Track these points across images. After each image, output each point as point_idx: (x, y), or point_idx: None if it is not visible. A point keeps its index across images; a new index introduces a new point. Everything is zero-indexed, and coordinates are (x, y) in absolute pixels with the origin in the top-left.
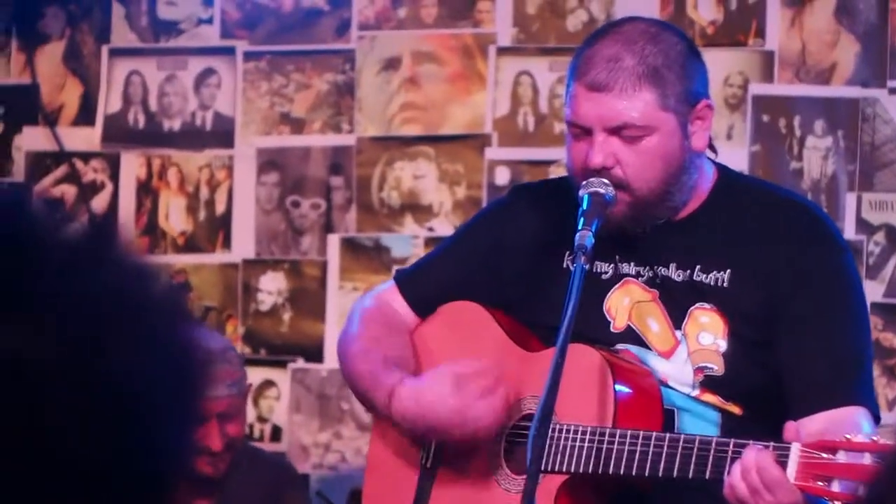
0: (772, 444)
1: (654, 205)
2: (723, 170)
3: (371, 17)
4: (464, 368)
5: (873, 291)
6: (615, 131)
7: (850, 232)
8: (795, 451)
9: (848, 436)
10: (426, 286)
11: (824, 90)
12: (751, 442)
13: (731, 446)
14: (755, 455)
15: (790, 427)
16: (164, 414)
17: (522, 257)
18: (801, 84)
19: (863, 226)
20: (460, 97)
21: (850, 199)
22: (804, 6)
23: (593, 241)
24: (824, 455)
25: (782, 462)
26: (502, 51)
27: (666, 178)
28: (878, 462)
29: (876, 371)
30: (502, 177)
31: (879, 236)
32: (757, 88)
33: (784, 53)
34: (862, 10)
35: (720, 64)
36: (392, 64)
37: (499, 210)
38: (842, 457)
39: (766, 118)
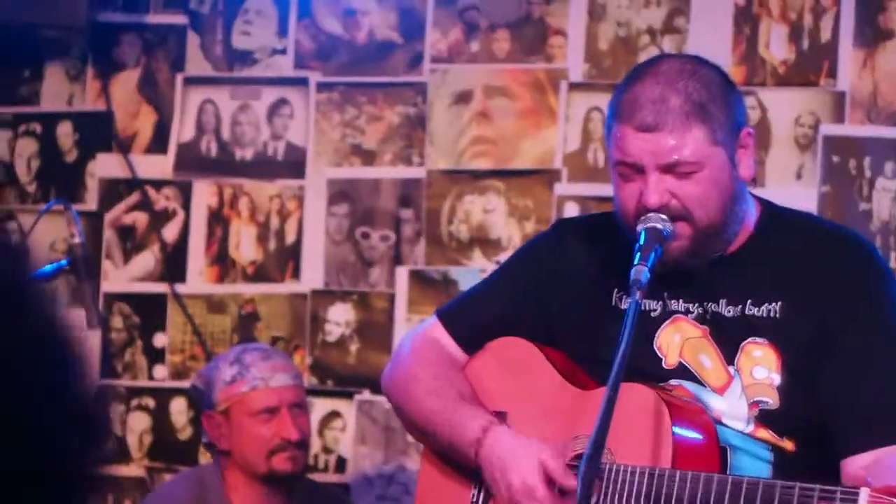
0: (839, 488)
1: (714, 235)
2: (764, 203)
3: (444, 50)
4: (557, 473)
5: None
6: (667, 169)
7: None
8: (864, 496)
9: None
10: (472, 322)
11: (895, 131)
12: (818, 488)
13: (797, 490)
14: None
15: (856, 472)
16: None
17: (569, 293)
18: (872, 125)
19: None
20: (531, 132)
21: None
22: (877, 47)
23: (649, 276)
24: (894, 500)
25: None
26: (574, 86)
27: (723, 207)
28: None
29: None
30: (571, 212)
31: None
32: (828, 129)
33: (855, 94)
34: None
35: (791, 103)
36: (463, 97)
37: (544, 244)
38: None
39: (836, 159)
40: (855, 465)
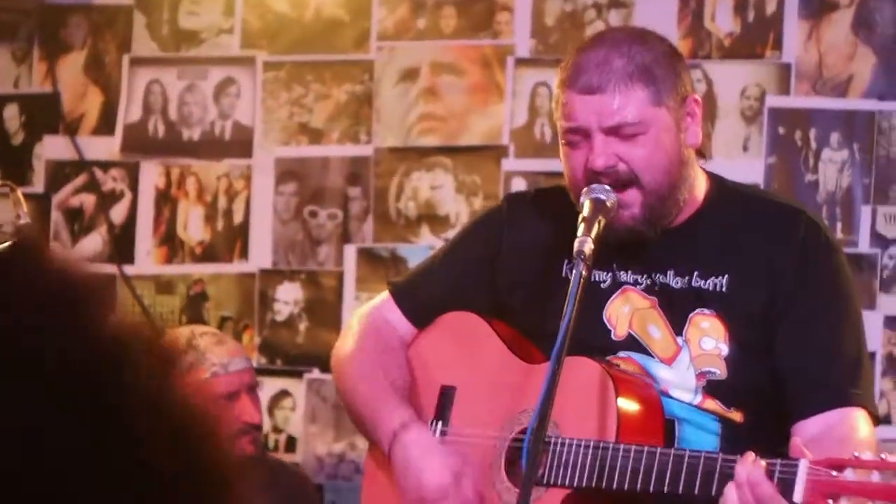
0: (779, 460)
1: (664, 199)
2: (714, 177)
3: (390, 27)
4: (465, 468)
5: (887, 305)
6: (613, 131)
7: (864, 245)
8: (803, 468)
9: (856, 454)
10: (422, 296)
11: (841, 103)
12: (745, 455)
13: (719, 460)
14: (746, 471)
15: (796, 444)
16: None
17: (519, 265)
18: (818, 96)
19: (878, 239)
20: (478, 108)
21: (865, 212)
22: (822, 18)
23: (592, 247)
24: (833, 472)
25: (790, 479)
26: (521, 62)
27: (670, 170)
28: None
29: (888, 385)
30: (519, 187)
31: (894, 250)
32: (773, 101)
33: (801, 66)
34: (879, 23)
35: (737, 76)
36: (410, 75)
37: (493, 218)
38: (850, 474)
39: (782, 130)
40: (804, 432)
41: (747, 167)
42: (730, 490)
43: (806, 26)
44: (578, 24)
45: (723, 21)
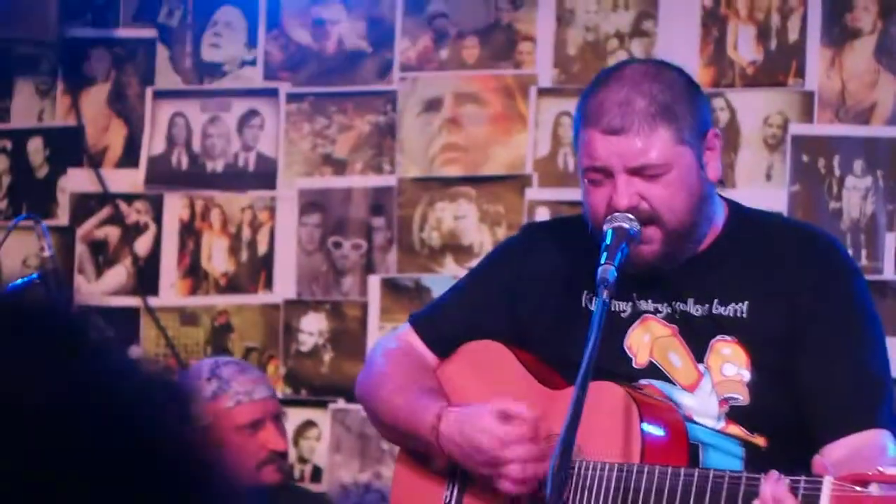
0: (803, 477)
1: (684, 237)
2: (732, 204)
3: (413, 58)
4: (510, 407)
5: None
6: (636, 172)
7: (889, 272)
8: (828, 484)
9: (880, 468)
10: (444, 326)
11: (864, 130)
12: (769, 473)
13: (743, 479)
14: (771, 488)
15: (819, 461)
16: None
17: (539, 295)
18: (841, 124)
19: None
20: (501, 138)
21: (889, 239)
22: (844, 46)
23: (616, 275)
24: (857, 488)
25: (815, 496)
26: (543, 92)
27: (691, 209)
28: None
29: None
30: (542, 217)
31: None
32: (796, 128)
33: (824, 93)
34: None
35: (760, 104)
36: (433, 105)
37: (513, 248)
38: (874, 489)
39: (805, 158)
40: (832, 455)
41: (771, 196)
42: None
43: (828, 54)
44: (601, 54)
45: (745, 49)
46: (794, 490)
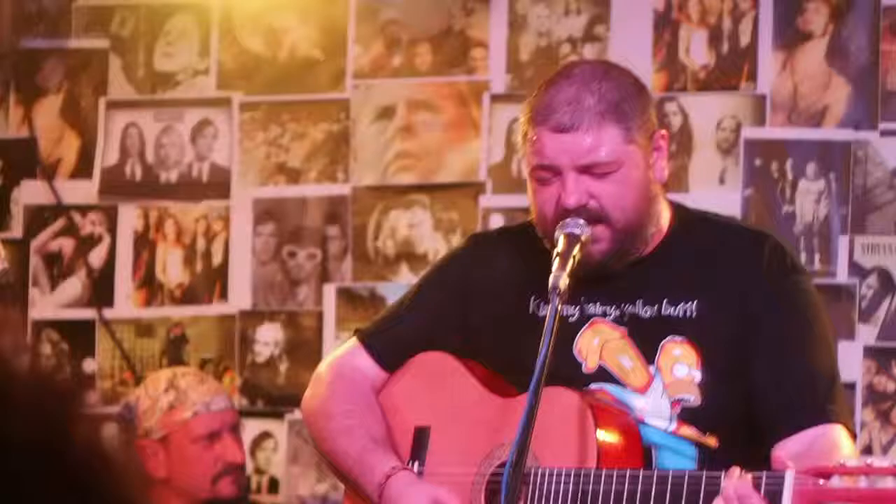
0: (765, 472)
1: (632, 235)
2: (677, 206)
3: (366, 65)
4: (450, 498)
5: (866, 335)
6: (585, 169)
7: (843, 275)
8: (790, 478)
9: (842, 461)
10: (392, 340)
11: (816, 133)
12: (729, 470)
13: (703, 476)
14: (734, 485)
15: (778, 457)
16: None
17: (486, 305)
18: (794, 127)
19: (855, 269)
20: (455, 145)
21: (842, 242)
22: (796, 49)
23: (567, 281)
24: (820, 481)
25: (777, 490)
26: (496, 98)
27: (639, 207)
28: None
29: (869, 415)
30: (497, 224)
31: (872, 279)
32: (749, 132)
33: (776, 96)
34: (853, 53)
35: (713, 108)
36: (387, 112)
37: (459, 258)
38: (836, 482)
39: (758, 162)
40: (785, 451)
41: (725, 199)
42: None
43: (780, 57)
44: (553, 59)
45: (697, 53)
46: (756, 485)
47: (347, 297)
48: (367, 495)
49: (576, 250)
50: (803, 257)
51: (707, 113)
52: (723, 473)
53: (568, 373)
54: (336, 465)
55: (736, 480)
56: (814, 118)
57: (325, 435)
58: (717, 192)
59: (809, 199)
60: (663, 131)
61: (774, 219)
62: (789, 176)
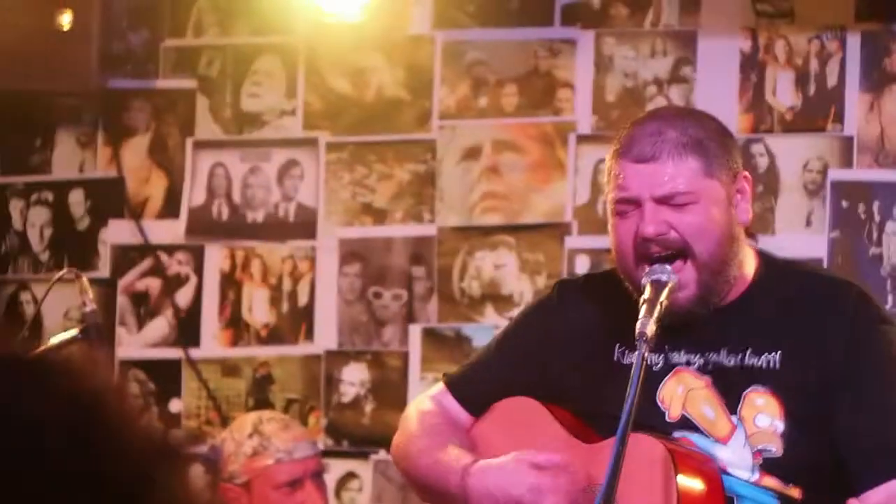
0: None
1: (716, 274)
2: (762, 253)
3: (452, 106)
4: (540, 459)
5: None
6: (664, 200)
7: None
8: None
9: None
10: (477, 385)
11: None
12: None
13: None
14: None
15: None
16: None
17: (571, 353)
18: (881, 169)
19: None
20: (540, 186)
21: None
22: (883, 90)
23: (654, 328)
24: None
25: None
26: (582, 139)
27: (721, 244)
28: None
29: None
30: (582, 265)
31: None
32: (836, 174)
33: (863, 138)
34: None
35: (799, 150)
36: (472, 153)
37: (544, 305)
38: None
39: (845, 204)
40: (872, 499)
41: (811, 242)
42: None
43: (867, 99)
44: (639, 101)
45: (784, 95)
46: None
47: (433, 337)
48: (453, 499)
49: (663, 296)
50: (890, 301)
51: (793, 154)
52: None
53: (651, 421)
54: (421, 485)
55: None
56: None
57: (410, 458)
58: (804, 235)
59: None
60: (746, 173)
61: (861, 261)
62: (876, 218)
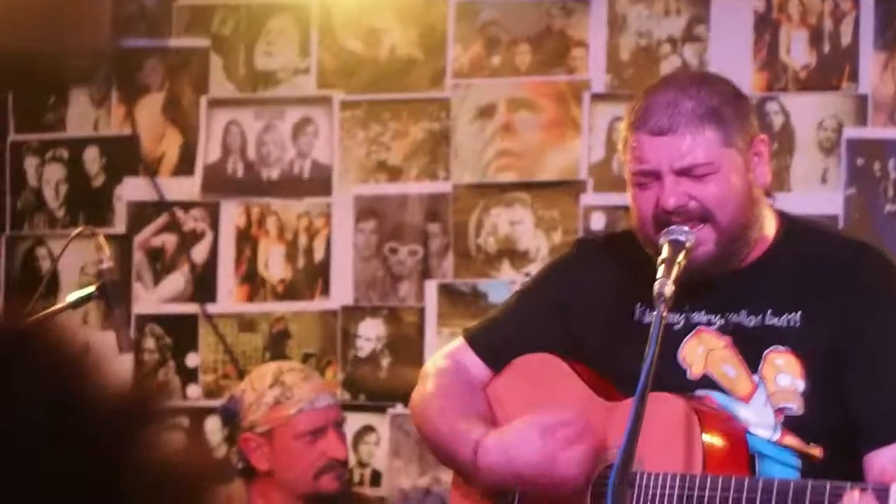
0: (870, 485)
1: (736, 238)
2: (783, 215)
3: (465, 64)
4: (549, 418)
5: None
6: (683, 172)
7: None
8: (894, 491)
9: None
10: (497, 340)
11: None
12: (848, 484)
13: (828, 489)
14: (859, 498)
15: (874, 463)
16: None
17: (591, 312)
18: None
19: None
20: (555, 143)
21: None
22: None
23: (673, 288)
24: None
25: (883, 501)
26: (596, 97)
27: (742, 209)
28: None
29: None
30: (598, 222)
31: None
32: (851, 132)
33: (877, 97)
34: None
35: (814, 108)
36: (487, 111)
37: (565, 263)
38: None
39: (860, 161)
40: (877, 462)
41: (826, 199)
42: None
43: (881, 57)
44: (653, 59)
45: (798, 54)
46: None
47: (449, 293)
48: (465, 467)
49: (680, 257)
50: None
51: (808, 113)
52: (827, 484)
53: (673, 380)
54: (433, 447)
55: (858, 495)
56: None
57: (426, 420)
58: (819, 192)
59: None
60: (763, 136)
61: (876, 218)
62: (891, 175)
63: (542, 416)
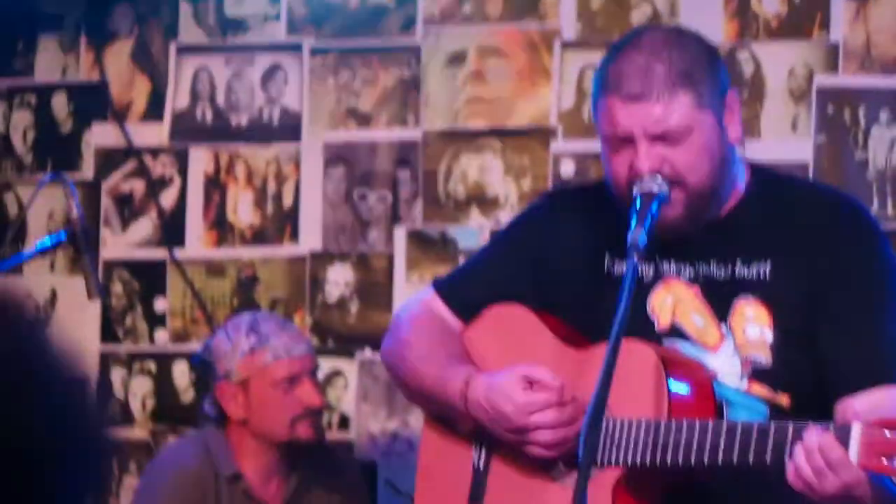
0: (832, 424)
1: (706, 200)
2: (755, 167)
3: (436, 12)
4: (535, 374)
5: None
6: (657, 137)
7: None
8: (857, 430)
9: None
10: (468, 291)
11: (889, 81)
12: (810, 423)
13: (790, 429)
14: (818, 436)
15: (843, 411)
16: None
17: (562, 263)
18: (866, 75)
19: None
20: (526, 91)
21: None
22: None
23: (646, 239)
24: (887, 432)
25: (844, 442)
26: (567, 45)
27: (714, 172)
28: None
29: None
30: (567, 169)
31: None
32: (822, 80)
33: (849, 45)
34: None
35: (784, 56)
36: (457, 59)
37: (536, 215)
38: None
39: (830, 109)
40: (849, 408)
41: (796, 146)
42: (800, 456)
43: (853, 6)
44: (624, 8)
45: (769, 2)
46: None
47: (418, 239)
48: (452, 407)
49: (654, 207)
50: (876, 204)
51: (779, 61)
52: (790, 425)
53: (641, 330)
54: (418, 392)
55: (819, 431)
56: (887, 66)
57: (405, 364)
58: (789, 140)
59: (882, 146)
60: (734, 91)
61: (847, 166)
62: (862, 123)
63: (531, 368)
